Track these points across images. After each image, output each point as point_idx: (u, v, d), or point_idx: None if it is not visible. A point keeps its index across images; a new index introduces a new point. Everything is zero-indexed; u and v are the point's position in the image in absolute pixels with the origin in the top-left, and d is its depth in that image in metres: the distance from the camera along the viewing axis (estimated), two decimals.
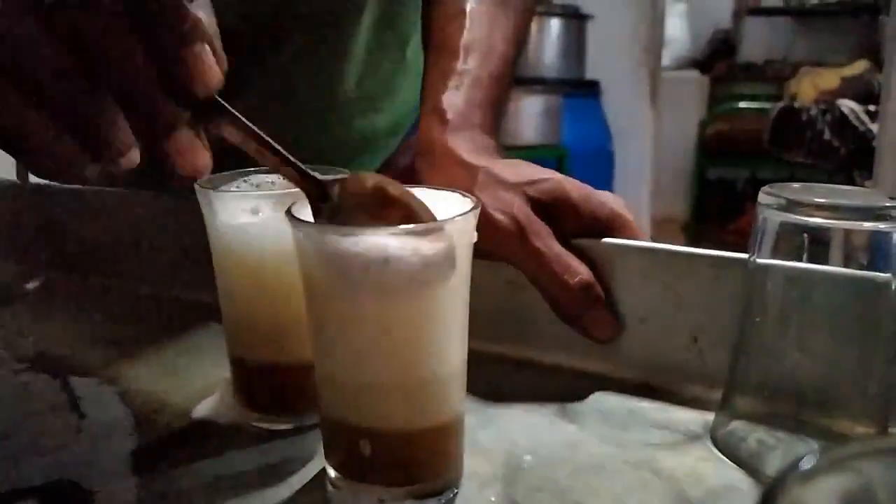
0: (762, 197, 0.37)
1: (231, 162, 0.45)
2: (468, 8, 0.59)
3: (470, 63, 0.57)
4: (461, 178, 0.48)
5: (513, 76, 0.61)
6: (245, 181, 0.44)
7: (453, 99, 0.54)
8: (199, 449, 0.40)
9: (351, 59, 0.70)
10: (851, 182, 2.32)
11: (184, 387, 0.46)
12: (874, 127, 2.29)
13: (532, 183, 0.48)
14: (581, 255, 0.47)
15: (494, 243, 0.47)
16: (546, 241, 0.46)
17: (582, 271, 0.46)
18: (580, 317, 0.47)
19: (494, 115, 0.56)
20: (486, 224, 0.46)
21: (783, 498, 0.17)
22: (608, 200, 0.49)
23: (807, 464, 0.17)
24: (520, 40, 0.63)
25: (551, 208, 0.48)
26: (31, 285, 0.65)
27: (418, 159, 0.54)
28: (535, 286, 0.47)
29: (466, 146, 0.51)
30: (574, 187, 0.48)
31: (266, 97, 0.68)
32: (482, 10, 0.60)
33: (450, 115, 0.53)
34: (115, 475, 0.38)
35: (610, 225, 0.48)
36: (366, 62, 0.71)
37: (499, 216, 0.47)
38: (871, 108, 2.39)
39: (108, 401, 0.46)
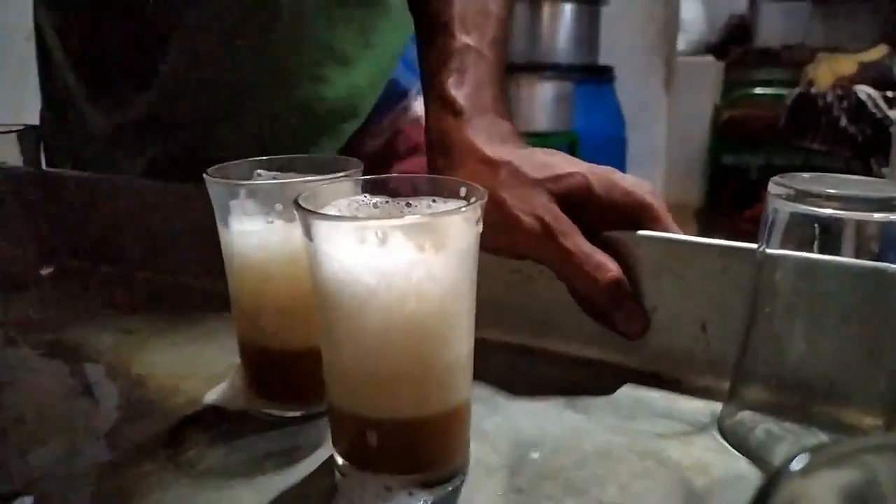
0: (772, 187, 0.37)
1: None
2: None
3: (468, 37, 0.54)
4: (483, 177, 0.46)
5: (508, 38, 0.58)
6: (258, 172, 0.44)
7: (459, 83, 0.52)
8: (209, 435, 0.40)
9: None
10: (868, 169, 2.29)
11: (195, 373, 0.47)
12: (892, 113, 2.26)
13: (556, 179, 0.47)
14: (606, 247, 0.46)
15: (522, 244, 0.46)
16: (574, 239, 0.45)
17: (612, 268, 0.45)
18: (610, 313, 0.46)
19: (502, 90, 0.54)
20: (512, 225, 0.45)
21: (782, 490, 0.17)
22: (635, 190, 0.47)
23: (805, 458, 0.17)
24: None
25: (576, 203, 0.47)
26: (45, 272, 0.66)
27: (433, 155, 0.52)
28: (565, 284, 0.47)
29: (486, 138, 0.50)
30: (598, 181, 0.47)
31: (196, 36, 0.65)
32: None
33: (461, 103, 0.51)
34: (126, 460, 0.38)
35: (637, 216, 0.47)
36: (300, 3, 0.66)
37: (524, 217, 0.46)
38: (889, 94, 2.35)
39: (120, 387, 0.47)
